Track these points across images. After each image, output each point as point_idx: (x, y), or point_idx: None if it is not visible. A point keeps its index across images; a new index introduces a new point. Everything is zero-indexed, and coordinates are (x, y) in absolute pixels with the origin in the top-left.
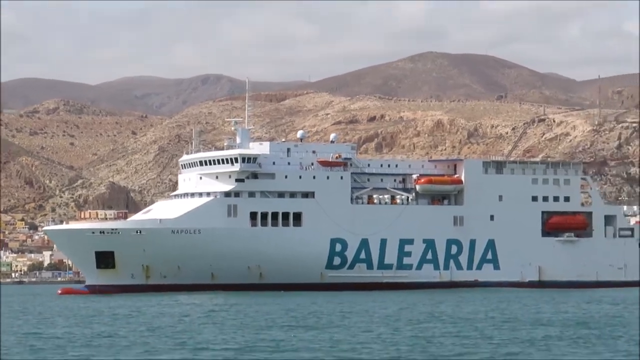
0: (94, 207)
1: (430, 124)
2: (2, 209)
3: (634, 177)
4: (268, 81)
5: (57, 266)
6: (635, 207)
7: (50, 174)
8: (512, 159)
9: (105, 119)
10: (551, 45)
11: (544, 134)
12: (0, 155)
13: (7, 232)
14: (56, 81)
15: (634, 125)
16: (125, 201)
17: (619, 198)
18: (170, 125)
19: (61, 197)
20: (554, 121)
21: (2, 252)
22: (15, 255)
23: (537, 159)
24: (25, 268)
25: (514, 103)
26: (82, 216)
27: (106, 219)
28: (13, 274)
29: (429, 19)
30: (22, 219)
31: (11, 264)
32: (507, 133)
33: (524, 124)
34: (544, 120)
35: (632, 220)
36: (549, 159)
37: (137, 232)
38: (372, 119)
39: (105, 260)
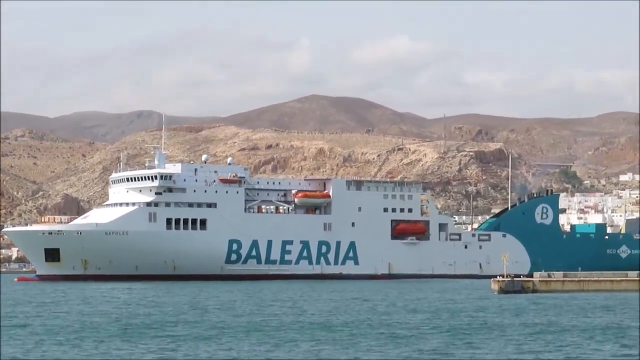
0: (52, 213)
1: (314, 151)
2: None
3: (470, 194)
4: (188, 116)
5: (22, 259)
6: (464, 217)
7: (17, 187)
8: (375, 179)
9: (61, 144)
10: (407, 90)
11: (402, 159)
12: None
13: None
14: (22, 114)
15: (471, 153)
16: (76, 209)
17: (459, 210)
18: (112, 150)
19: (26, 205)
20: (410, 150)
21: None
22: None
23: (396, 179)
24: None
25: (379, 135)
26: (43, 220)
27: (62, 222)
28: None
29: (314, 67)
30: None
31: None
32: (373, 159)
33: (387, 152)
34: (402, 149)
35: (469, 228)
36: (405, 179)
37: (77, 233)
38: (269, 146)
39: (52, 255)
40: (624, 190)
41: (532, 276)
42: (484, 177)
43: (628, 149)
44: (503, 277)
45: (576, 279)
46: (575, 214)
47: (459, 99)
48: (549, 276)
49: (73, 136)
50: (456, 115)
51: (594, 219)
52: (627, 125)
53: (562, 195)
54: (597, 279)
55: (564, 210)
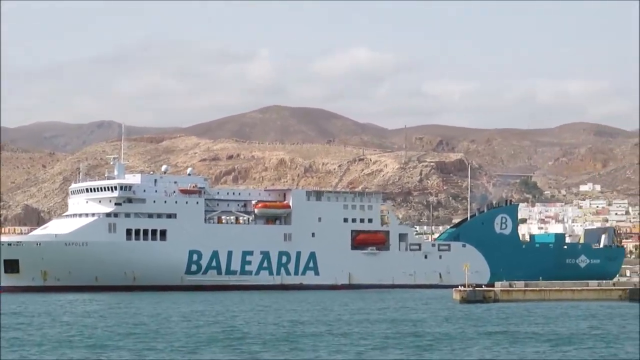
0: (12, 224)
1: (275, 162)
2: None
3: (431, 204)
4: (149, 126)
5: None
6: (425, 228)
7: None
8: (336, 189)
9: (21, 155)
10: (368, 101)
11: (363, 170)
12: None
13: None
14: None
15: (432, 164)
16: (37, 219)
17: (420, 220)
18: (72, 160)
19: None
20: (371, 160)
21: None
22: None
23: (357, 190)
24: None
25: (340, 146)
26: (3, 231)
27: (21, 233)
28: None
29: (275, 78)
30: None
31: None
32: (334, 169)
33: (348, 162)
34: (362, 159)
35: (430, 238)
36: (366, 189)
37: (37, 244)
38: (230, 157)
39: (11, 266)
40: (584, 200)
41: (493, 286)
42: (444, 188)
43: (588, 160)
44: (465, 286)
45: (537, 288)
46: (536, 223)
47: (419, 110)
48: (510, 286)
49: (33, 147)
50: (417, 126)
51: (555, 228)
52: (587, 136)
53: (522, 205)
54: (558, 288)
55: (524, 220)
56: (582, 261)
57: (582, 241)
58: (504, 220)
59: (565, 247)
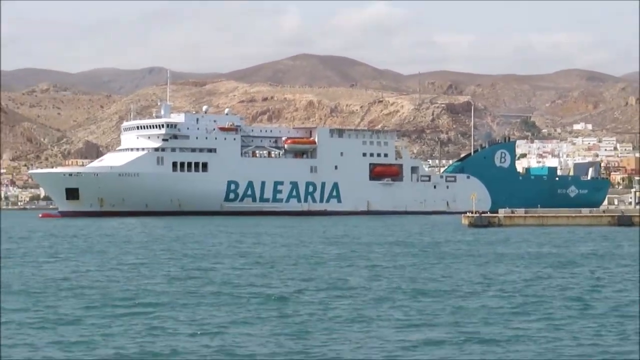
0: (75, 157)
1: (304, 103)
2: (11, 158)
3: (443, 140)
4: (193, 72)
5: (49, 197)
6: (437, 162)
7: (44, 134)
8: (359, 127)
9: (82, 97)
10: (385, 50)
11: (382, 110)
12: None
13: (15, 174)
14: (48, 70)
15: (443, 105)
16: (96, 153)
17: (432, 155)
18: (126, 102)
19: (52, 150)
20: (389, 102)
21: (11, 187)
22: (20, 190)
23: (375, 128)
24: (27, 199)
25: (361, 89)
26: (66, 164)
27: (82, 165)
28: (19, 203)
29: (302, 29)
30: (25, 165)
31: (17, 196)
32: (357, 110)
33: (368, 103)
34: (381, 101)
35: (439, 170)
36: (384, 127)
37: (95, 174)
38: (264, 99)
39: (72, 194)
40: (577, 137)
41: (496, 212)
42: (454, 126)
43: (580, 102)
44: (472, 213)
45: (536, 215)
46: (534, 158)
47: (431, 58)
48: (512, 212)
49: (92, 90)
50: (429, 72)
51: (551, 162)
52: (579, 81)
53: (522, 142)
54: (554, 215)
55: (524, 155)
56: (572, 191)
57: (572, 174)
58: (503, 155)
59: (557, 178)
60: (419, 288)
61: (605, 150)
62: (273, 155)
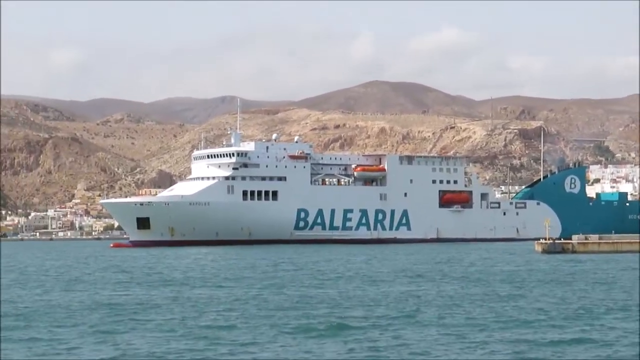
0: (148, 187)
1: (376, 130)
2: (85, 188)
3: (515, 166)
4: (265, 100)
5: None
6: (510, 187)
7: (118, 164)
8: (431, 154)
9: (155, 126)
10: (457, 75)
11: (454, 136)
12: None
13: (89, 204)
14: (121, 100)
15: (515, 131)
16: (169, 183)
17: (505, 181)
18: (199, 131)
19: (126, 179)
20: (461, 128)
21: (85, 217)
22: (94, 220)
23: (446, 154)
24: (101, 229)
25: (433, 115)
26: (140, 193)
27: (156, 194)
28: (93, 233)
29: (374, 55)
30: (99, 195)
31: (92, 226)
32: (429, 136)
33: (440, 130)
34: (454, 127)
35: (508, 197)
36: (457, 154)
37: (165, 204)
38: (337, 126)
39: (143, 223)
40: None
41: (569, 239)
42: (526, 152)
43: None
44: (545, 239)
45: (610, 241)
46: (608, 183)
47: (503, 82)
48: (586, 239)
49: (165, 119)
50: (501, 97)
51: (625, 188)
52: None
53: (596, 167)
54: (629, 240)
55: (598, 180)
56: None
57: None
58: (573, 181)
59: (627, 204)
60: None
61: None
62: (343, 183)
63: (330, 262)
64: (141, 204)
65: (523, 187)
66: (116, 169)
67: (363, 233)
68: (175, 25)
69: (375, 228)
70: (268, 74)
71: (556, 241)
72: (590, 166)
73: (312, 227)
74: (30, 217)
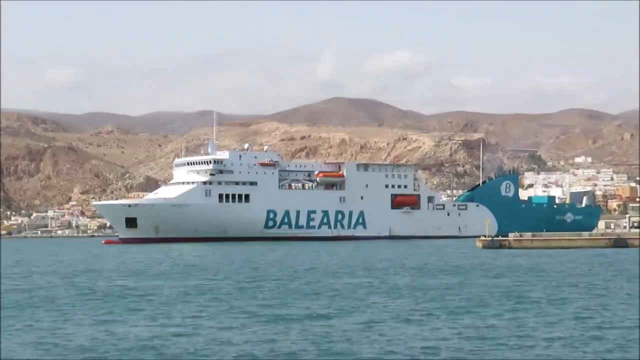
0: (136, 190)
1: (338, 141)
2: (80, 191)
3: (460, 173)
4: (240, 114)
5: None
6: (448, 192)
7: (109, 170)
8: (384, 162)
9: (142, 137)
10: (408, 93)
11: (406, 147)
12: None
13: (84, 206)
14: (112, 114)
15: (459, 142)
16: (155, 187)
17: (450, 186)
18: (181, 141)
19: (116, 184)
20: (412, 139)
21: (80, 217)
22: (89, 220)
23: (399, 162)
24: (95, 227)
25: (387, 128)
26: (129, 196)
27: (143, 197)
28: (88, 231)
29: (334, 75)
30: (93, 197)
31: (87, 225)
32: (384, 146)
33: (394, 141)
34: (405, 139)
35: (451, 199)
36: (408, 162)
37: (151, 205)
38: (302, 137)
39: (131, 222)
40: (578, 169)
41: (506, 236)
42: (469, 160)
43: (581, 138)
44: (485, 237)
45: (542, 238)
46: (540, 188)
47: (449, 99)
48: (521, 236)
49: (151, 131)
50: (447, 112)
51: (555, 192)
52: (580, 119)
53: (530, 173)
54: (558, 238)
55: (531, 185)
56: (569, 217)
57: (568, 202)
58: (508, 186)
59: (555, 206)
60: None
61: (603, 180)
62: (307, 187)
63: (295, 257)
64: (129, 205)
65: (465, 191)
66: (108, 175)
67: (324, 231)
68: (159, 46)
69: (335, 227)
70: (242, 91)
71: (494, 238)
72: (525, 173)
73: (279, 226)
74: (32, 217)
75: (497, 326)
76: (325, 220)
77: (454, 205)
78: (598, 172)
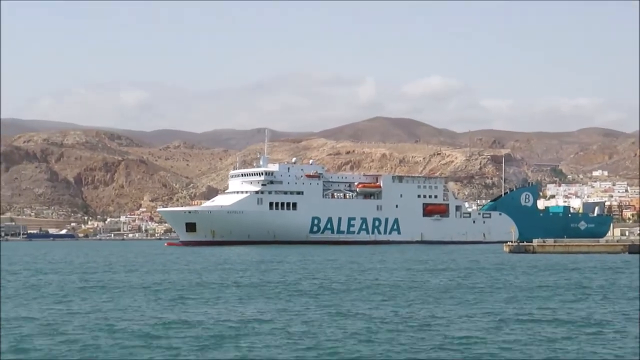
0: (199, 199)
1: (379, 156)
2: (150, 199)
3: (488, 185)
4: (292, 131)
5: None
6: (478, 202)
7: (175, 181)
8: (422, 175)
9: (205, 151)
10: (442, 113)
11: (440, 161)
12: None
13: (153, 212)
14: (178, 130)
15: (488, 157)
16: (216, 195)
17: (480, 196)
18: (240, 155)
19: (182, 193)
20: (446, 154)
21: (149, 222)
22: (157, 224)
23: (436, 175)
24: (162, 231)
25: (424, 145)
26: (192, 204)
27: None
28: (156, 234)
29: (376, 96)
30: (161, 205)
31: (155, 229)
32: (420, 161)
33: (429, 156)
34: (440, 154)
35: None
36: (442, 174)
37: (208, 212)
38: (347, 152)
39: (190, 227)
40: (596, 182)
41: (531, 242)
42: (497, 173)
43: (598, 154)
44: (512, 242)
45: (563, 244)
46: (561, 199)
47: (479, 119)
48: (544, 242)
49: (213, 146)
50: (477, 130)
51: (575, 203)
52: (597, 137)
53: (552, 185)
54: (577, 244)
55: (553, 196)
56: (582, 225)
57: (581, 211)
58: (527, 196)
59: (570, 215)
60: None
61: (619, 192)
62: (347, 197)
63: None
64: (189, 212)
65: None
66: (174, 185)
67: (363, 236)
68: (214, 71)
69: (372, 232)
70: (293, 111)
71: (520, 243)
72: (548, 185)
73: (323, 231)
74: (106, 222)
75: None
76: (363, 227)
77: (479, 213)
78: (614, 185)
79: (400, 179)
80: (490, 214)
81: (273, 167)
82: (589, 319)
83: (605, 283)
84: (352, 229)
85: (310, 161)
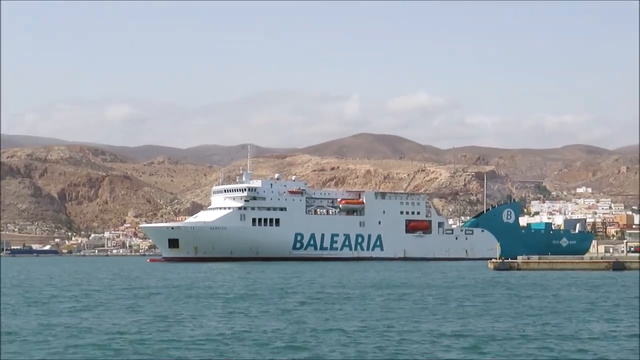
0: (184, 215)
1: (363, 172)
2: (134, 215)
3: (472, 201)
4: (277, 147)
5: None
6: (462, 218)
7: (160, 197)
8: (406, 191)
9: (189, 167)
10: (426, 129)
11: (424, 177)
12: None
13: (137, 228)
14: (163, 146)
15: (472, 173)
16: (201, 211)
17: (464, 213)
18: (224, 171)
19: (166, 209)
20: (430, 171)
21: (133, 238)
22: (141, 240)
23: (420, 192)
24: (146, 247)
25: (408, 161)
26: (177, 219)
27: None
28: (140, 250)
29: (362, 112)
30: (145, 220)
31: (139, 245)
32: (404, 177)
33: (414, 172)
34: (424, 170)
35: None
36: (426, 191)
37: (191, 228)
38: (332, 168)
39: (173, 243)
40: (580, 199)
41: (515, 258)
42: (481, 190)
43: (582, 170)
44: (496, 259)
45: (547, 260)
46: (545, 215)
47: (463, 135)
48: (528, 258)
49: (198, 162)
50: (462, 147)
51: (558, 219)
52: (581, 154)
53: (536, 202)
54: (562, 260)
55: (537, 213)
56: (564, 242)
57: (563, 228)
58: (509, 213)
59: (552, 232)
60: None
61: (602, 208)
62: (330, 213)
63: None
64: (172, 228)
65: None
66: (158, 201)
67: (346, 252)
68: (203, 87)
69: (355, 249)
70: (278, 127)
71: (504, 260)
72: (532, 201)
73: (306, 248)
74: (90, 238)
75: None
76: (346, 243)
77: (462, 230)
78: (597, 202)
79: (383, 195)
80: (472, 230)
81: (256, 183)
82: None
83: None
84: (335, 245)
85: (293, 177)
